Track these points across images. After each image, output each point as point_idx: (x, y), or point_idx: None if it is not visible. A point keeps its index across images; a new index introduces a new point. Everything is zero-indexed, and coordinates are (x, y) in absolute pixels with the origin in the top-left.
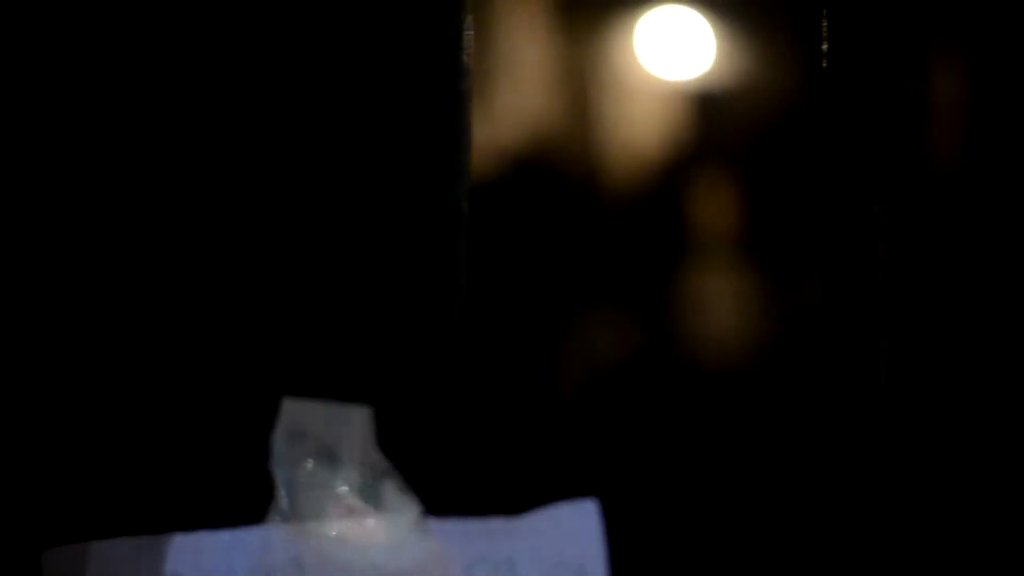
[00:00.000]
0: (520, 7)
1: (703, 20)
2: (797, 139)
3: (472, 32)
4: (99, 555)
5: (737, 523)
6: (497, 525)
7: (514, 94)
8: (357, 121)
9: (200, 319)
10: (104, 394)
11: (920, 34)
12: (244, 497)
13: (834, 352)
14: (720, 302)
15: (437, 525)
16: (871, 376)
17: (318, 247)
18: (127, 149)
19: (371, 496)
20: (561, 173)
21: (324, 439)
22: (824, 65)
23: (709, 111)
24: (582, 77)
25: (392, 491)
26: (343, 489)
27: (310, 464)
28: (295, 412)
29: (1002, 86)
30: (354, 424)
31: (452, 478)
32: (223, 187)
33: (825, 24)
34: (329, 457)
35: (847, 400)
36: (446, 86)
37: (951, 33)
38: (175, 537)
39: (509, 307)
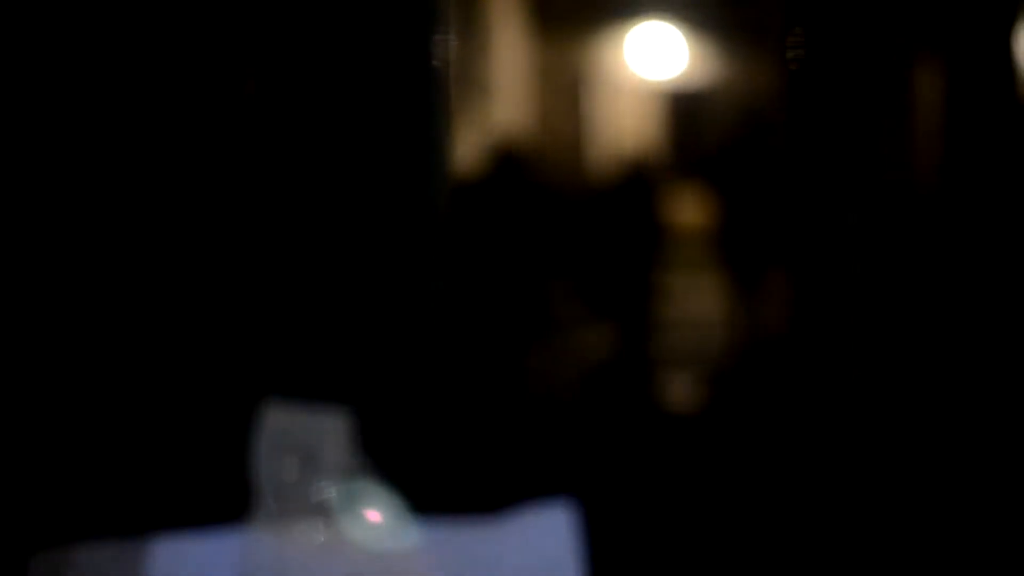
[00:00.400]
0: (503, 21)
1: (680, 33)
2: (769, 146)
3: (454, 42)
4: (84, 559)
5: (713, 522)
6: (475, 526)
7: (496, 101)
8: (337, 129)
9: (182, 325)
10: (88, 400)
11: (894, 49)
12: (227, 500)
13: (805, 352)
14: (696, 304)
15: (417, 526)
16: (843, 380)
17: (297, 254)
18: (114, 153)
19: (353, 498)
20: (540, 176)
21: (306, 443)
22: (792, 76)
23: (685, 118)
24: (564, 86)
25: (373, 493)
26: (325, 492)
27: (292, 467)
28: (278, 417)
29: (975, 98)
30: (335, 428)
31: (432, 479)
32: (207, 193)
33: (798, 37)
34: (311, 460)
35: (820, 403)
36: (424, 94)
37: (925, 47)
38: (158, 540)
39: (487, 310)
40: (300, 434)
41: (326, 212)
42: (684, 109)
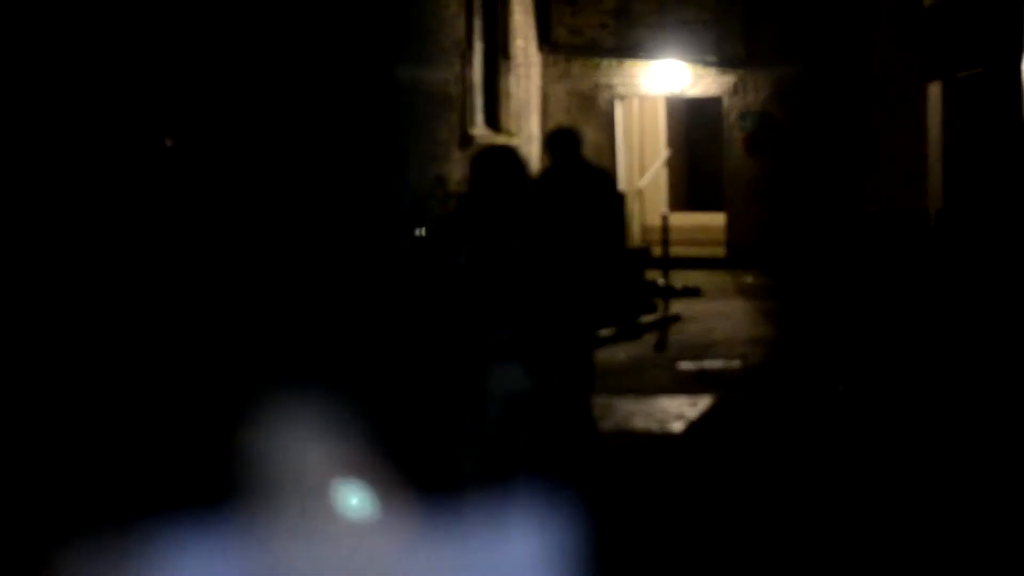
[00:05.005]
0: (526, 44)
1: (685, 67)
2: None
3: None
4: (94, 553)
5: (722, 523)
6: (482, 530)
7: (537, 117)
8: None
9: (199, 319)
10: (88, 394)
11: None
12: (235, 500)
13: (809, 354)
14: (707, 306)
15: (423, 528)
16: (842, 409)
17: (311, 249)
18: (112, 150)
19: (361, 500)
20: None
21: (317, 442)
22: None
23: (688, 128)
24: (591, 106)
25: (381, 494)
26: (335, 492)
27: (302, 466)
28: (288, 417)
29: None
30: (344, 428)
31: (439, 481)
32: (208, 188)
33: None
34: (321, 460)
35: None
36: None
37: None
38: (162, 542)
39: (505, 309)
40: (311, 434)
41: (331, 203)
42: (690, 123)
